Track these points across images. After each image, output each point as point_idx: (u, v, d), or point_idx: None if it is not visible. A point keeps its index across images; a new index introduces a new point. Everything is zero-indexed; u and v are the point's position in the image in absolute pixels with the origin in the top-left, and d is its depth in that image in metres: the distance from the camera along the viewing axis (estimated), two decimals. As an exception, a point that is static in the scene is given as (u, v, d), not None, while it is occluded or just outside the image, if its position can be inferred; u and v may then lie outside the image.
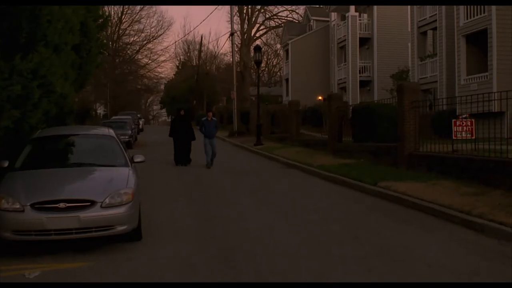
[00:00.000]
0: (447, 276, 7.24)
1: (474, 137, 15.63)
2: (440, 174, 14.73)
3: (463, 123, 15.67)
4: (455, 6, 29.57)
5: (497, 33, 26.06)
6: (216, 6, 70.86)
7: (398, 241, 9.28)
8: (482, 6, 27.08)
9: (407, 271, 7.50)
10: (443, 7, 32.53)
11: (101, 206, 8.38)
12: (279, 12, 65.71)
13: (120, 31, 72.62)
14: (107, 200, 8.44)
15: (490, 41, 26.40)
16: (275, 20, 66.70)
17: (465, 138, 15.64)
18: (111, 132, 11.29)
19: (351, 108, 24.86)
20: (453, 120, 15.79)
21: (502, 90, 14.93)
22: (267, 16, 64.79)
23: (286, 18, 66.53)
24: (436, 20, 33.66)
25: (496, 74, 26.09)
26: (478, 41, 27.84)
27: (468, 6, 28.19)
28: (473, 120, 15.71)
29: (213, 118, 21.91)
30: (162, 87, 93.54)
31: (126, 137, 29.60)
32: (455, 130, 15.56)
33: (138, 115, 55.44)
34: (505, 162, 12.75)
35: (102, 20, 21.01)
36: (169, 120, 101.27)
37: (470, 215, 10.36)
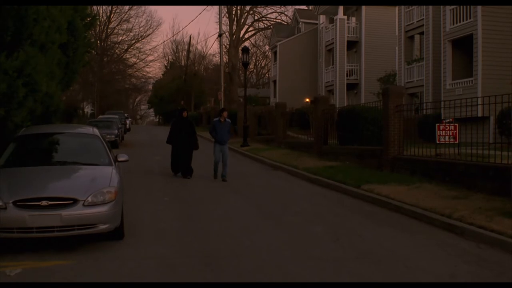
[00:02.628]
0: (425, 278, 7.33)
1: (457, 142, 15.76)
2: (424, 177, 14.85)
3: (446, 128, 15.79)
4: (441, 11, 29.76)
5: (483, 38, 26.27)
6: (205, 6, 70.94)
7: (379, 243, 9.36)
8: (468, 12, 27.27)
9: (386, 273, 7.58)
10: (430, 11, 32.75)
11: (83, 205, 8.39)
12: (268, 14, 65.91)
13: (109, 30, 72.39)
14: (89, 199, 8.45)
15: (476, 47, 26.60)
16: (264, 21, 66.88)
17: (448, 142, 15.77)
18: (96, 131, 11.31)
19: (337, 111, 24.96)
20: (437, 125, 15.92)
21: (486, 95, 15.08)
22: (256, 17, 64.98)
23: (275, 20, 66.70)
24: (423, 25, 33.85)
25: (481, 79, 26.28)
26: (464, 46, 28.05)
27: (455, 12, 28.37)
28: (457, 124, 15.85)
29: (227, 120, 17.96)
30: (150, 87, 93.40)
31: (113, 136, 29.55)
32: (439, 134, 15.68)
33: (126, 115, 55.19)
34: (486, 166, 12.89)
35: (89, 19, 20.97)
36: (157, 120, 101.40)
37: (451, 218, 10.49)
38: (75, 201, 8.37)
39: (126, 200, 10.29)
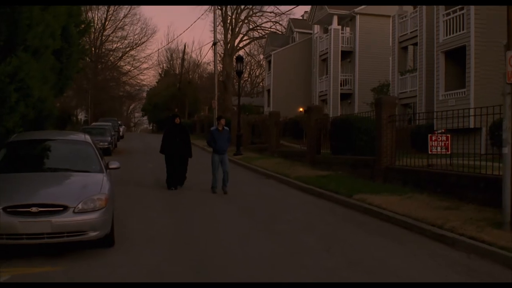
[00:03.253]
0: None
1: (449, 152, 15.81)
2: (416, 188, 14.87)
3: (439, 138, 15.83)
4: (435, 23, 29.90)
5: (475, 50, 26.40)
6: (200, 15, 71.01)
7: (370, 253, 9.36)
8: (461, 23, 27.40)
9: (375, 282, 7.57)
10: (424, 22, 32.87)
11: (73, 211, 8.36)
12: (263, 23, 66.08)
13: (103, 37, 72.42)
14: (80, 206, 8.43)
15: (469, 58, 26.72)
16: (258, 31, 67.06)
17: (441, 153, 15.81)
18: (87, 137, 11.29)
19: (330, 120, 25.00)
20: (429, 135, 15.95)
21: (479, 106, 15.13)
22: (250, 26, 65.12)
23: (269, 29, 66.88)
24: (416, 36, 33.98)
25: (473, 90, 26.39)
26: (456, 57, 28.17)
27: (448, 23, 28.51)
28: (449, 135, 15.89)
29: (225, 128, 17.11)
30: (144, 94, 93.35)
31: (106, 143, 29.50)
32: (431, 145, 15.72)
33: (119, 122, 55.11)
34: (478, 177, 12.93)
35: (84, 25, 21.00)
36: (151, 128, 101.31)
37: (442, 229, 10.49)
38: (65, 208, 8.34)
39: (117, 207, 10.26)
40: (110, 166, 10.47)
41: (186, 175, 17.29)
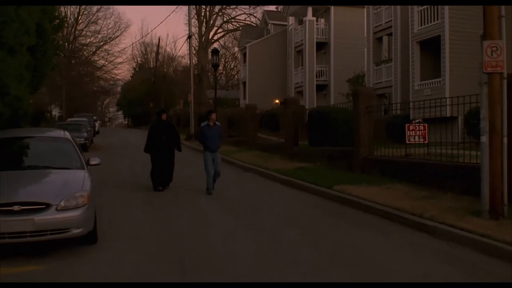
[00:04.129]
0: (398, 278, 7.42)
1: (427, 142, 15.97)
2: (394, 178, 15.00)
3: (416, 128, 15.99)
4: (409, 13, 30.14)
5: (450, 40, 26.68)
6: (174, 7, 70.75)
7: (352, 243, 9.45)
8: (436, 13, 27.65)
9: (359, 274, 7.64)
10: (398, 13, 33.12)
11: (56, 209, 8.31)
12: (237, 16, 66.02)
13: (76, 32, 71.74)
14: (62, 203, 8.38)
15: (443, 48, 26.99)
16: (233, 23, 67.01)
17: (418, 142, 15.97)
18: (67, 134, 11.21)
19: (307, 112, 25.09)
20: (406, 125, 16.10)
21: (454, 95, 15.31)
22: (225, 19, 65.04)
23: (244, 21, 66.87)
24: (391, 26, 34.23)
25: (448, 79, 26.69)
26: (431, 47, 28.43)
27: (423, 13, 28.75)
28: (426, 125, 16.05)
29: (217, 123, 15.87)
30: (119, 89, 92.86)
31: (82, 139, 29.31)
32: (409, 134, 15.88)
33: (94, 117, 54.78)
34: (455, 166, 13.09)
35: (58, 21, 20.72)
36: (126, 122, 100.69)
37: (422, 218, 10.62)
38: (47, 206, 8.29)
39: (97, 205, 10.22)
40: (91, 163, 10.41)
41: (172, 176, 16.10)
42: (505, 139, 10.16)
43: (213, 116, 15.60)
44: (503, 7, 10.20)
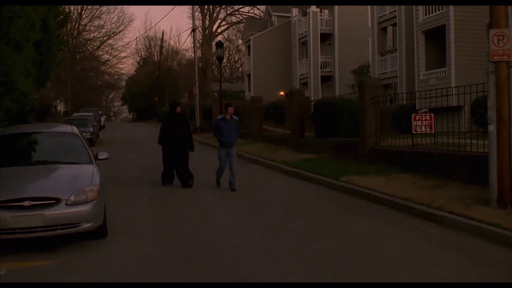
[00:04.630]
0: (407, 268, 7.43)
1: (433, 131, 15.96)
2: (401, 168, 15.00)
3: (422, 118, 15.97)
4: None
5: (455, 29, 26.61)
6: (174, 5, 70.65)
7: (360, 234, 9.47)
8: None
9: (368, 265, 7.64)
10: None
11: (66, 204, 8.35)
12: (240, 8, 65.81)
13: (80, 27, 71.69)
14: (72, 198, 8.42)
15: (448, 37, 26.92)
16: (236, 15, 66.82)
17: (424, 132, 15.96)
18: (74, 129, 11.25)
19: (312, 103, 25.10)
20: (412, 115, 16.08)
21: (460, 84, 15.30)
22: (228, 12, 64.83)
23: (247, 13, 66.72)
24: (396, 16, 34.13)
25: (454, 69, 26.63)
26: (436, 37, 28.36)
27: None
28: (432, 114, 16.02)
29: (234, 117, 15.00)
30: (123, 83, 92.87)
31: (88, 134, 29.33)
32: (415, 124, 15.86)
33: (100, 112, 54.85)
34: (462, 156, 13.09)
35: (62, 16, 20.78)
36: (131, 116, 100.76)
37: (430, 207, 10.64)
38: (57, 201, 8.33)
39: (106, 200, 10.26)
40: (99, 157, 10.43)
41: (189, 173, 15.14)
42: (513, 128, 10.15)
43: (230, 109, 14.86)
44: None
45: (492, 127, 10.09)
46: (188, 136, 15.31)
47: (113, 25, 78.38)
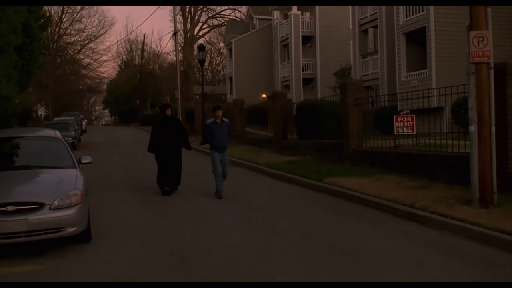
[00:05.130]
0: (393, 267, 7.50)
1: (415, 132, 16.07)
2: (384, 169, 15.10)
3: (404, 119, 16.07)
4: (394, 6, 30.26)
5: (436, 31, 26.82)
6: (158, 5, 70.51)
7: (346, 235, 9.53)
8: (421, 5, 27.79)
9: (355, 264, 7.73)
10: (383, 6, 33.20)
11: (50, 208, 8.31)
12: (222, 11, 65.75)
13: (61, 30, 71.20)
14: (56, 202, 8.38)
15: (429, 39, 27.13)
16: (218, 18, 66.68)
17: (406, 133, 16.06)
18: (57, 133, 11.23)
19: (295, 106, 25.17)
20: (394, 116, 16.19)
21: (441, 86, 15.39)
22: (210, 14, 64.71)
23: (229, 16, 66.60)
24: (376, 19, 34.34)
25: (435, 70, 26.85)
26: (417, 38, 28.57)
27: (408, 5, 28.90)
28: (414, 116, 16.14)
29: (225, 120, 14.42)
30: (105, 87, 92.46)
31: (70, 138, 29.11)
32: (397, 126, 15.96)
33: (81, 116, 54.57)
34: (444, 156, 13.20)
35: (43, 20, 20.71)
36: (112, 120, 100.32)
37: (413, 208, 10.73)
38: (41, 205, 8.29)
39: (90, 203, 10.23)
40: (83, 161, 10.42)
41: (180, 178, 14.81)
42: (493, 128, 10.27)
43: (219, 112, 14.19)
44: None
45: (473, 128, 10.20)
46: (184, 137, 14.84)
47: (94, 29, 77.96)
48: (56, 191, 8.65)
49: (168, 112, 14.67)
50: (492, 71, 10.31)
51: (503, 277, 7.02)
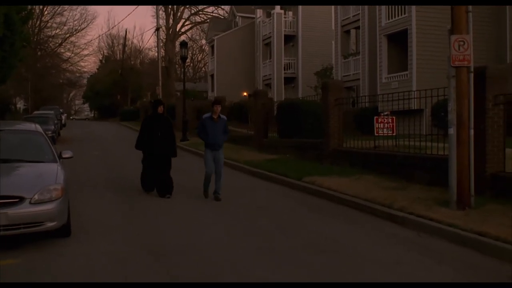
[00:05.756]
0: (368, 265, 7.59)
1: (395, 134, 16.23)
2: (363, 169, 15.23)
3: (384, 120, 16.23)
4: (377, 7, 30.44)
5: (417, 33, 27.04)
6: (136, 5, 70.24)
7: (324, 234, 9.60)
8: (403, 7, 28.00)
9: (331, 262, 7.81)
10: (366, 7, 33.41)
11: (30, 202, 8.27)
12: (204, 8, 65.65)
13: (42, 23, 70.63)
14: (36, 196, 8.35)
15: (410, 41, 27.35)
16: (200, 15, 66.59)
17: (386, 134, 16.21)
18: (38, 127, 11.18)
19: (276, 104, 25.25)
20: (375, 117, 16.33)
21: (421, 88, 15.59)
22: (192, 11, 64.61)
23: (211, 13, 66.53)
24: (359, 20, 34.51)
25: (415, 72, 27.06)
26: (399, 40, 28.78)
27: (390, 7, 29.10)
28: (394, 117, 16.30)
29: (222, 116, 13.47)
30: (85, 81, 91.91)
31: (50, 132, 28.89)
32: (377, 126, 16.12)
33: (61, 110, 54.21)
34: (423, 158, 13.35)
35: (25, 12, 20.59)
36: (92, 115, 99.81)
37: (392, 208, 10.84)
38: (21, 199, 8.25)
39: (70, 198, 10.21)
40: (63, 156, 10.38)
41: (172, 181, 13.62)
42: (472, 131, 10.42)
43: (218, 107, 13.23)
44: (470, 2, 10.44)
45: (452, 130, 10.34)
46: (170, 141, 13.67)
47: (75, 23, 77.70)
48: (37, 185, 8.61)
49: (160, 109, 13.68)
50: (472, 75, 10.46)
51: (475, 277, 7.15)
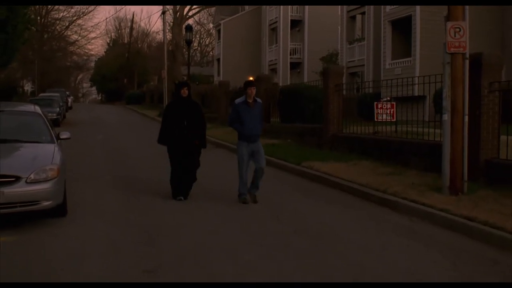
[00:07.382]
0: (358, 250, 7.69)
1: (395, 120, 16.27)
2: (361, 155, 15.30)
3: (384, 106, 16.27)
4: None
5: (421, 20, 27.02)
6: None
7: (317, 218, 9.72)
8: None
9: (322, 246, 7.91)
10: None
11: (26, 182, 8.42)
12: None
13: (49, 6, 70.68)
14: (32, 176, 8.49)
15: (414, 28, 27.34)
16: (208, -1, 66.46)
17: (386, 120, 16.26)
18: (37, 108, 11.29)
19: (279, 89, 25.30)
20: (375, 103, 16.37)
21: (424, 74, 15.56)
22: (199, -5, 64.50)
23: (218, -3, 66.41)
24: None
25: (419, 59, 27.07)
26: (403, 27, 28.76)
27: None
28: (394, 103, 16.33)
29: (258, 100, 10.92)
30: (92, 64, 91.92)
31: (54, 114, 29.15)
32: (377, 112, 16.15)
33: (67, 93, 54.41)
34: (420, 144, 13.44)
35: (28, -6, 20.64)
36: (99, 98, 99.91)
37: (385, 193, 10.94)
38: (17, 179, 8.40)
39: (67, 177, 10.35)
40: (61, 137, 10.51)
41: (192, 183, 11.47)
42: (466, 118, 10.48)
43: (252, 90, 10.67)
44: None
45: (446, 117, 10.41)
46: (200, 129, 11.38)
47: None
48: (33, 165, 8.76)
49: (184, 92, 11.12)
50: (467, 61, 10.50)
51: (463, 263, 7.23)
